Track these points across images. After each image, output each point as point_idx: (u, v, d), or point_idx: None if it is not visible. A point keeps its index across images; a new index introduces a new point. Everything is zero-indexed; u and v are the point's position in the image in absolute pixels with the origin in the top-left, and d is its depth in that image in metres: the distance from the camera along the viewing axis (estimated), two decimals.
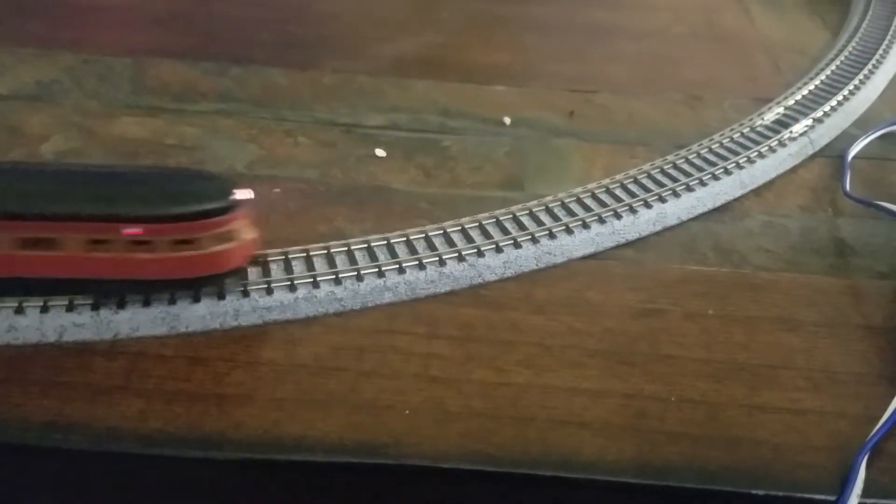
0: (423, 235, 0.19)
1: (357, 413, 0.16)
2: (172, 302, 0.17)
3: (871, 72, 0.29)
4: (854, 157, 0.25)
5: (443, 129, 0.24)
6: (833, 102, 0.26)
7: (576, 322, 0.18)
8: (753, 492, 0.15)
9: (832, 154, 0.25)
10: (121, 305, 0.17)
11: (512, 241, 0.19)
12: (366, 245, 0.19)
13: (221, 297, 0.17)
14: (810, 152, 0.24)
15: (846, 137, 0.26)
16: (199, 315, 0.17)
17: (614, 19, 0.31)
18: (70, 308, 0.17)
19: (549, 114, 0.25)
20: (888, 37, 0.31)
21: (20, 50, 0.26)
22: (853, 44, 0.29)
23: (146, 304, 0.17)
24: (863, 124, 0.27)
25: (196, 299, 0.17)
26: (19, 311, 0.17)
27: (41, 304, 0.17)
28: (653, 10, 0.32)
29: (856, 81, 0.28)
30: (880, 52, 0.29)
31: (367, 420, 0.15)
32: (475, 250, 0.19)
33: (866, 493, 0.15)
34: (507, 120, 0.25)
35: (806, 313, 0.19)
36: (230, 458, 0.15)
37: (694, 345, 0.18)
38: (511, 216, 0.20)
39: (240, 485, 0.16)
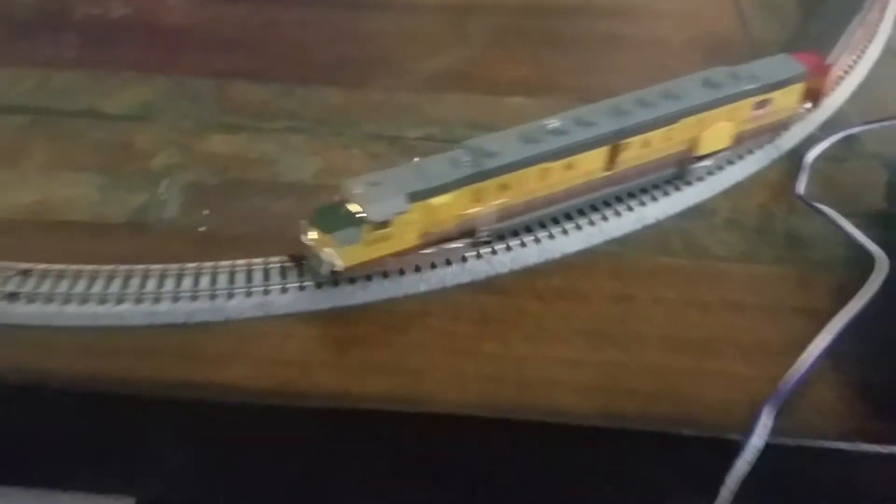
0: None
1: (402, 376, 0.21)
2: None
3: (841, 78, 0.33)
4: (816, 159, 0.30)
5: (468, 138, 0.29)
6: (800, 109, 0.30)
7: (566, 306, 0.23)
8: (685, 433, 0.20)
9: (796, 156, 0.29)
10: None
11: (519, 241, 0.25)
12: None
13: None
14: (776, 156, 0.29)
15: (812, 139, 0.30)
16: None
17: (622, 28, 0.35)
18: None
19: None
20: (868, 44, 0.35)
21: (123, 73, 0.32)
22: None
23: None
24: (828, 126, 0.31)
25: None
26: None
27: None
28: (657, 18, 0.36)
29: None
30: (854, 57, 0.33)
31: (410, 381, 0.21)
32: (490, 249, 0.24)
33: (771, 434, 0.20)
34: None
35: (751, 297, 0.24)
36: None
37: (657, 324, 0.23)
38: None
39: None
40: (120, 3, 0.34)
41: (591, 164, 0.24)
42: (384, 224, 0.21)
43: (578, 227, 0.25)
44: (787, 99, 0.27)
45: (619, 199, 0.26)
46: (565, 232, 0.25)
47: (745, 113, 0.26)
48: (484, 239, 0.23)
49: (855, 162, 0.29)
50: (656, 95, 0.25)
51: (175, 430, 0.22)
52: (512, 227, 0.24)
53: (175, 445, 0.22)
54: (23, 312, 0.22)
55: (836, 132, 0.29)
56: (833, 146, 0.29)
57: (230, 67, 0.31)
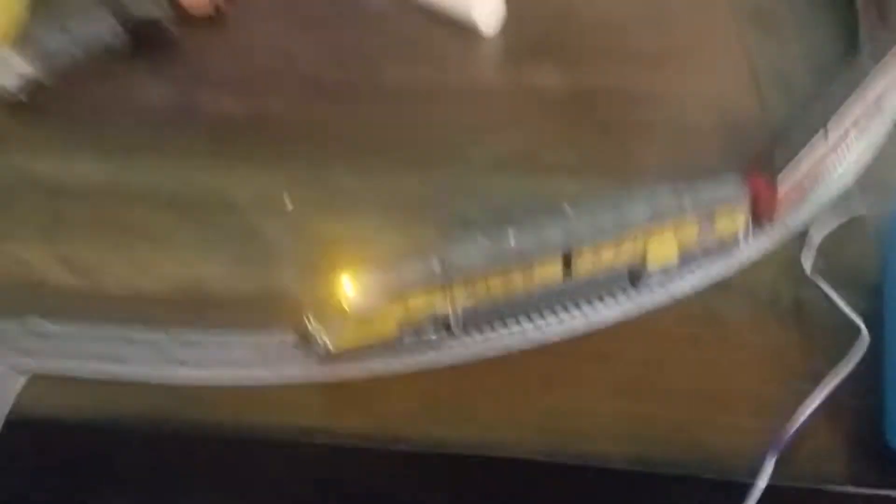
0: None
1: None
2: None
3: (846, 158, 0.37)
4: (822, 237, 0.34)
5: (521, 216, 0.35)
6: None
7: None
8: (703, 476, 0.26)
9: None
10: None
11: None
12: None
13: None
14: (783, 234, 0.34)
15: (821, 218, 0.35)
16: None
17: (654, 114, 0.41)
18: None
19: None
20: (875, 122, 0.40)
21: (244, 165, 0.38)
22: None
23: None
24: (837, 205, 0.36)
25: None
26: None
27: None
28: (684, 104, 0.41)
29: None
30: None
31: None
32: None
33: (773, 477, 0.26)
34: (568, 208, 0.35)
35: (759, 360, 0.30)
36: None
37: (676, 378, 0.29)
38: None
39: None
40: (236, 102, 0.41)
41: (547, 272, 0.29)
42: (365, 312, 0.27)
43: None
44: (730, 219, 0.30)
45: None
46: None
47: (691, 232, 0.30)
48: (456, 331, 0.29)
49: (857, 240, 0.34)
50: (604, 215, 0.29)
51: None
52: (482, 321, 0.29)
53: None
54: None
55: (842, 212, 0.35)
56: (837, 222, 0.35)
57: (328, 159, 0.38)
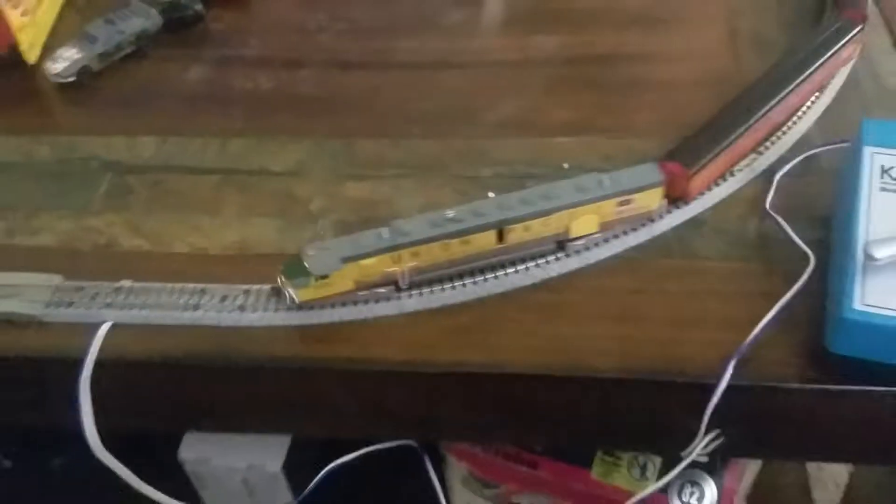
0: None
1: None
2: None
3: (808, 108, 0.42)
4: (783, 176, 0.39)
5: (525, 175, 0.40)
6: (773, 138, 0.40)
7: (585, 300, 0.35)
8: (678, 380, 0.31)
9: (769, 173, 0.39)
10: None
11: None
12: None
13: None
14: (751, 177, 0.39)
15: (783, 159, 0.40)
16: None
17: (643, 72, 0.45)
18: None
19: (595, 158, 0.41)
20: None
21: (279, 137, 0.43)
22: None
23: None
24: (796, 147, 0.41)
25: None
26: None
27: None
28: (669, 61, 0.46)
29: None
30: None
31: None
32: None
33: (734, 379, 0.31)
34: (566, 165, 0.40)
35: (726, 285, 0.35)
36: None
37: (656, 306, 0.34)
38: None
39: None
40: (265, 78, 0.46)
41: (483, 241, 0.34)
42: (325, 276, 0.33)
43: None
44: (647, 198, 0.35)
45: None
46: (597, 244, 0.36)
47: (610, 208, 0.35)
48: (404, 288, 0.34)
49: (813, 177, 0.39)
50: (536, 196, 0.34)
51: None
52: (428, 279, 0.34)
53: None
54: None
55: (800, 153, 0.40)
56: (798, 165, 0.39)
57: (352, 128, 0.43)
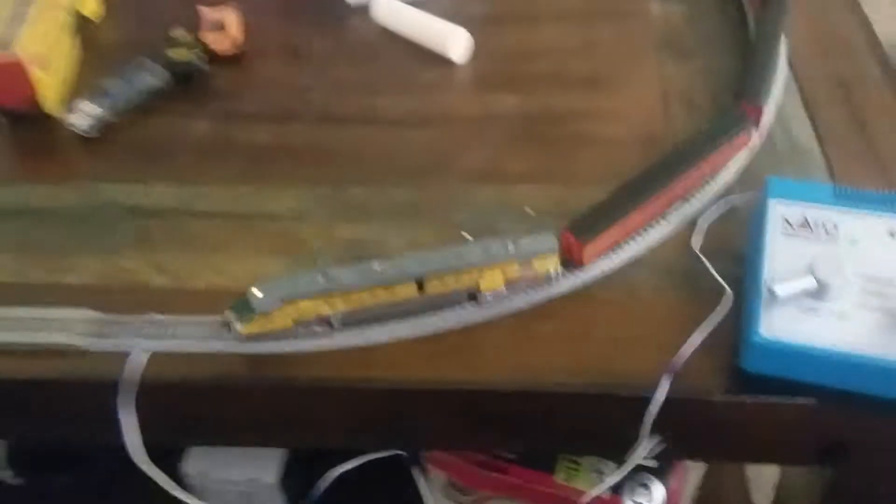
0: None
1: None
2: None
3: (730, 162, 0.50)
4: (708, 222, 0.47)
5: (493, 218, 0.47)
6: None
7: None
8: (621, 393, 0.38)
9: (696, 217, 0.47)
10: None
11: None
12: None
13: None
14: (681, 220, 0.46)
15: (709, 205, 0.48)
16: None
17: (590, 129, 0.53)
18: None
19: (550, 204, 0.47)
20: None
21: (277, 184, 0.49)
22: None
23: None
24: (722, 194, 0.48)
25: None
26: None
27: None
28: (612, 120, 0.53)
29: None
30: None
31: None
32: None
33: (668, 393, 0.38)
34: (528, 209, 0.47)
35: (662, 313, 0.42)
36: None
37: (600, 330, 0.41)
38: None
39: None
40: (263, 131, 0.52)
41: (405, 291, 0.40)
42: (266, 313, 0.39)
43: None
44: (545, 263, 0.41)
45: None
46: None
47: (513, 269, 0.40)
48: (336, 327, 0.40)
49: (734, 220, 0.46)
50: (451, 255, 0.40)
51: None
52: (358, 319, 0.40)
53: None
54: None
55: (723, 203, 0.47)
56: (720, 210, 0.47)
57: (342, 176, 0.49)
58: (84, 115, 0.50)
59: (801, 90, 0.53)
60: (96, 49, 0.57)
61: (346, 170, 0.50)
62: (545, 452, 0.52)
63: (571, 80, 0.55)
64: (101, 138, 0.50)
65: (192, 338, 0.40)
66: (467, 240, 0.43)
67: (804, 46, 0.56)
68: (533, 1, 0.61)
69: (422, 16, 0.57)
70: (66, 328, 0.40)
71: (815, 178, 0.47)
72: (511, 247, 0.41)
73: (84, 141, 0.50)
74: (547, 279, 0.42)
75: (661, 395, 0.38)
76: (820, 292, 0.36)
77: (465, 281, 0.41)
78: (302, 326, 0.40)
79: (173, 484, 0.40)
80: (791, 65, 0.55)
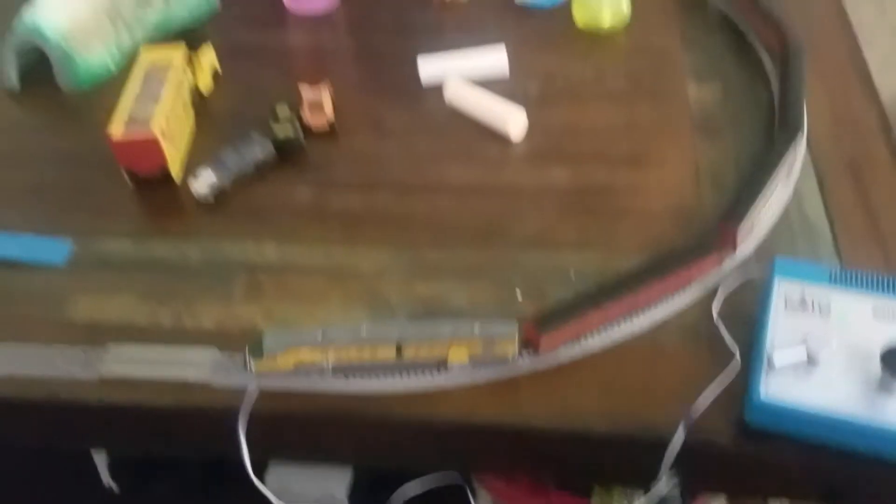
0: None
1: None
2: None
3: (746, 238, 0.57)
4: (727, 292, 0.54)
5: (543, 280, 0.55)
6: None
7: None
8: (646, 435, 0.46)
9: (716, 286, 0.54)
10: None
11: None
12: None
13: None
14: (704, 290, 0.54)
15: (728, 276, 0.55)
16: None
17: (628, 202, 0.61)
18: None
19: (592, 269, 0.55)
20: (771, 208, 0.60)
21: (364, 244, 0.59)
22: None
23: None
24: (739, 269, 0.56)
25: None
26: None
27: None
28: (649, 194, 0.61)
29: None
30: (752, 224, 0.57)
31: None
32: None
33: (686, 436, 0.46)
34: (572, 273, 0.56)
35: (683, 368, 0.50)
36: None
37: (629, 380, 0.49)
38: None
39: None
40: (352, 198, 0.61)
41: (386, 353, 0.47)
42: (273, 356, 0.47)
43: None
44: (505, 345, 0.47)
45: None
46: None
47: (476, 347, 0.47)
48: (329, 374, 0.48)
49: (749, 290, 0.53)
50: (427, 329, 0.48)
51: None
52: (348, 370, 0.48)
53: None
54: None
55: (740, 276, 0.55)
56: (737, 281, 0.54)
57: (418, 239, 0.58)
58: (203, 182, 0.60)
59: (816, 170, 0.61)
60: (209, 119, 0.68)
61: (419, 233, 0.59)
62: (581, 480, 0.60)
63: (615, 156, 0.63)
64: (217, 201, 0.61)
65: (294, 376, 0.50)
66: (518, 298, 0.52)
67: (821, 128, 0.64)
68: (581, 83, 0.70)
69: (485, 97, 0.66)
70: (193, 365, 0.50)
71: (823, 254, 0.55)
72: (476, 328, 0.49)
73: (203, 203, 0.61)
74: (506, 359, 0.48)
75: (678, 440, 0.46)
76: (811, 362, 0.44)
77: (436, 352, 0.49)
78: (301, 370, 0.49)
79: (275, 498, 0.50)
80: (809, 144, 0.62)
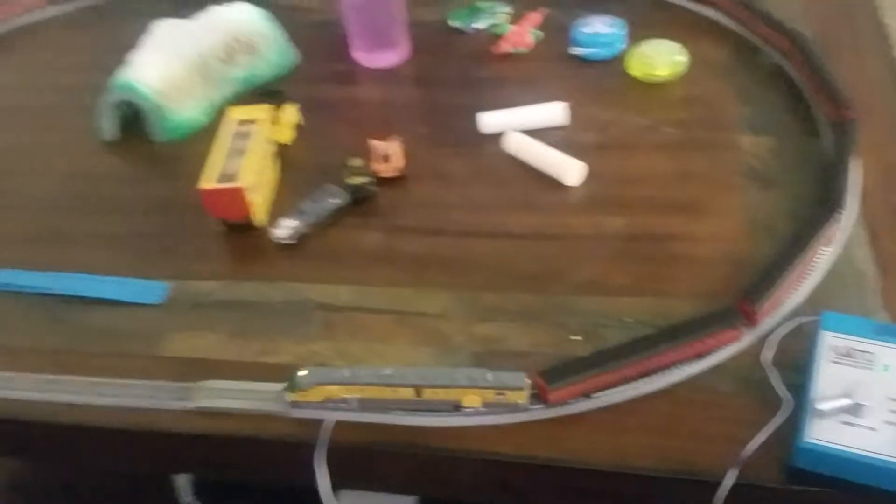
0: None
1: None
2: None
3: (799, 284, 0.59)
4: (778, 337, 0.57)
5: (598, 324, 0.59)
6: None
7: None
8: (700, 478, 0.49)
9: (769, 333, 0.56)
10: None
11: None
12: None
13: None
14: (758, 335, 0.56)
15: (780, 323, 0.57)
16: None
17: (682, 249, 0.64)
18: None
19: (647, 315, 0.58)
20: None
21: (428, 286, 0.63)
22: None
23: None
24: (791, 314, 0.58)
25: None
26: None
27: None
28: (703, 242, 0.64)
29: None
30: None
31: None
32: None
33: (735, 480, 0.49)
34: (627, 319, 0.59)
35: (733, 414, 0.52)
36: None
37: (683, 424, 0.52)
38: None
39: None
40: (418, 242, 0.66)
41: (406, 393, 0.52)
42: (305, 390, 0.52)
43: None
44: (516, 395, 0.51)
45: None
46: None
47: (490, 394, 0.51)
48: (353, 409, 0.53)
49: (800, 338, 0.56)
50: (445, 374, 0.52)
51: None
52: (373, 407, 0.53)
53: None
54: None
55: (791, 320, 0.57)
56: (790, 329, 0.57)
57: (478, 283, 0.62)
58: (285, 229, 0.66)
59: (867, 221, 0.63)
60: (290, 169, 0.73)
61: (480, 277, 0.63)
62: None
63: (668, 204, 0.66)
64: (297, 246, 0.66)
65: (367, 411, 0.54)
66: (575, 340, 0.56)
67: (872, 179, 0.65)
68: (637, 132, 0.73)
69: (543, 147, 0.70)
70: (273, 398, 0.55)
71: (871, 304, 0.57)
72: (490, 377, 0.53)
73: (283, 248, 0.66)
74: (517, 407, 0.52)
75: (728, 482, 0.48)
76: (855, 410, 0.46)
77: (452, 396, 0.53)
78: (330, 402, 0.54)
79: None
80: (862, 196, 0.64)
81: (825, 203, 0.61)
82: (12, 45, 0.94)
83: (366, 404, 0.53)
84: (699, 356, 0.54)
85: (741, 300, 0.54)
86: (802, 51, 0.73)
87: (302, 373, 0.54)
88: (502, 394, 0.51)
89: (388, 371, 0.53)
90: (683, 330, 0.53)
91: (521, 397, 0.52)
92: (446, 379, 0.53)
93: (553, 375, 0.52)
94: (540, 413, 0.53)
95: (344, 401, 0.53)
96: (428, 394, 0.53)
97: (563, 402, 0.52)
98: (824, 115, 0.70)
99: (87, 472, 0.93)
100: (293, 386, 0.53)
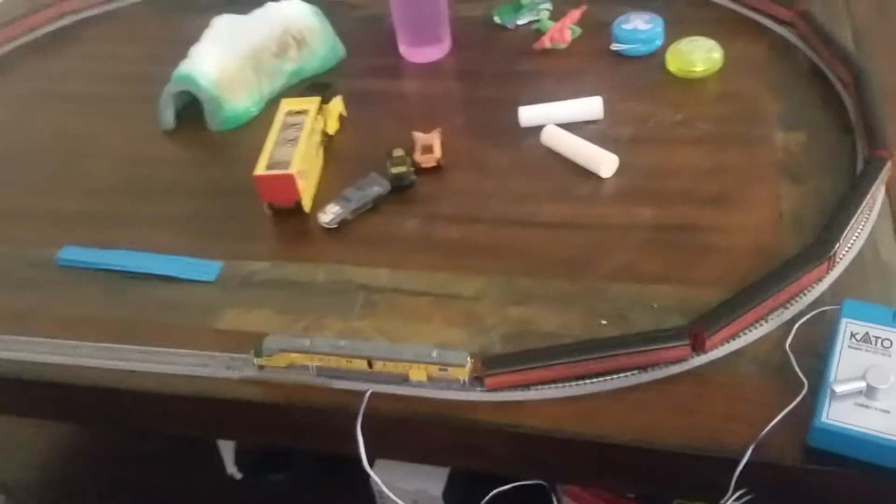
0: None
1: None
2: None
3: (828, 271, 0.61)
4: (800, 325, 0.58)
5: (627, 309, 0.61)
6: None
7: None
8: (721, 454, 0.51)
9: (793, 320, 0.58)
10: None
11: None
12: None
13: None
14: (780, 322, 0.58)
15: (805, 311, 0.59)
16: None
17: (712, 239, 0.66)
18: None
19: (674, 301, 0.61)
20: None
21: (465, 272, 0.66)
22: None
23: None
24: (815, 303, 0.60)
25: None
26: None
27: None
28: (732, 232, 0.66)
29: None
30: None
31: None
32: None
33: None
34: (655, 305, 0.61)
35: (753, 395, 0.54)
36: None
37: (706, 405, 0.54)
38: None
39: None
40: (456, 229, 0.69)
41: (359, 364, 0.56)
42: (269, 356, 0.57)
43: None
44: (457, 372, 0.55)
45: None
46: None
47: (433, 369, 0.56)
48: (314, 375, 0.58)
49: (822, 324, 0.57)
50: (395, 349, 0.57)
51: None
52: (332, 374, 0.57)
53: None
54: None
55: (814, 309, 0.58)
56: (812, 316, 0.58)
57: (512, 268, 0.65)
58: (331, 215, 0.69)
59: (893, 211, 0.64)
60: (335, 158, 0.77)
61: (515, 263, 0.66)
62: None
63: (700, 196, 0.68)
64: (341, 231, 0.70)
65: (404, 385, 0.57)
66: (603, 324, 0.58)
67: None
68: (672, 126, 0.75)
69: (579, 140, 0.73)
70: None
71: (893, 296, 0.58)
72: (434, 354, 0.57)
73: (329, 233, 0.70)
74: (460, 383, 0.56)
75: (744, 458, 0.51)
76: (870, 393, 0.47)
77: (400, 369, 0.56)
78: (292, 369, 0.58)
79: (383, 486, 0.57)
80: (888, 190, 0.65)
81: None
82: (83, 35, 1.00)
83: (322, 371, 0.58)
84: (642, 368, 0.56)
85: (692, 324, 0.56)
86: (860, 85, 0.72)
87: (268, 341, 0.59)
88: (444, 369, 0.55)
89: (342, 343, 0.57)
90: (633, 341, 0.56)
91: (463, 374, 0.55)
92: (394, 353, 0.57)
93: (493, 363, 0.55)
94: (479, 395, 0.56)
95: (305, 368, 0.58)
96: (378, 366, 0.57)
97: (499, 388, 0.56)
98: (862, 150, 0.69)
99: (137, 443, 0.99)
100: (259, 351, 0.58)
